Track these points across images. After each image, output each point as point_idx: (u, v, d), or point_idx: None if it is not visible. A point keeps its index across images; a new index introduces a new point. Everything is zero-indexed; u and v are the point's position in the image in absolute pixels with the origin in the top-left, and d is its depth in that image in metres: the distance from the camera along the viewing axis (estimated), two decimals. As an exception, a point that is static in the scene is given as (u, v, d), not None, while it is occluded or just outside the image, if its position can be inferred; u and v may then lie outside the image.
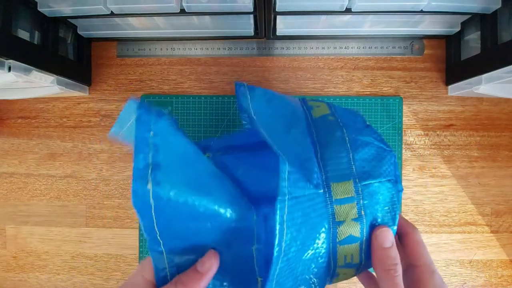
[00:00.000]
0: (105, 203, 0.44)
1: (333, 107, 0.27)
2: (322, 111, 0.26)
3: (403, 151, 0.43)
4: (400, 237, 0.23)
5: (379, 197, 0.22)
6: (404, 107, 0.43)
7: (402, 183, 0.43)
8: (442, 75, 0.43)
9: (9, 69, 0.31)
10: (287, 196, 0.19)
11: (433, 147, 0.43)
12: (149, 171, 0.18)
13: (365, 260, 0.22)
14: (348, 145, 0.23)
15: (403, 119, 0.43)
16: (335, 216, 0.21)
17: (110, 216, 0.44)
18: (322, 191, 0.21)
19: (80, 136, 0.44)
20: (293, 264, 0.20)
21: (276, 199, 0.19)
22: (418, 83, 0.43)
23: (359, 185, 0.22)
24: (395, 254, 0.21)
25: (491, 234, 0.43)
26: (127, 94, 0.44)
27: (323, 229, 0.21)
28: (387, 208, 0.22)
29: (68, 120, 0.45)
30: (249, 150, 0.26)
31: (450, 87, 0.43)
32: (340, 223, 0.21)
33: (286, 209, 0.19)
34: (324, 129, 0.24)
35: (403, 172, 0.43)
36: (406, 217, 0.43)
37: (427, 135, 0.43)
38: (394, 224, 0.22)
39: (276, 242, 0.18)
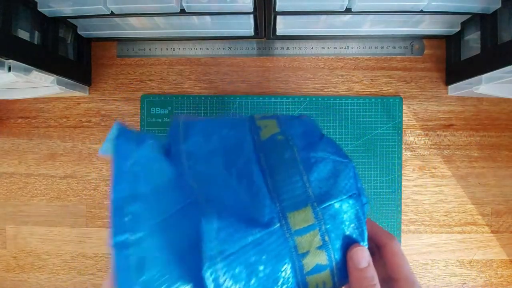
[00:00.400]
0: (105, 203, 0.44)
1: (283, 123, 0.24)
2: (271, 130, 0.23)
3: (403, 151, 0.43)
4: (378, 248, 0.22)
5: (343, 216, 0.20)
6: (404, 107, 0.43)
7: (402, 183, 0.43)
8: (442, 75, 0.43)
9: (9, 69, 0.31)
10: (218, 258, 0.17)
11: (433, 147, 0.43)
12: (127, 203, 0.19)
13: (338, 281, 0.20)
14: (301, 166, 0.21)
15: (403, 119, 0.43)
16: (297, 248, 0.19)
17: (110, 216, 0.44)
18: (278, 225, 0.19)
19: (80, 136, 0.44)
20: None
21: (202, 268, 0.17)
22: (418, 83, 0.43)
23: (318, 209, 0.20)
24: (372, 273, 0.20)
25: (491, 234, 0.43)
26: (127, 94, 0.44)
27: (286, 266, 0.19)
28: (353, 225, 0.20)
29: (68, 120, 0.45)
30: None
31: (450, 87, 0.43)
32: (304, 255, 0.19)
33: (222, 272, 0.17)
34: (273, 152, 0.22)
35: (403, 172, 0.43)
36: (406, 217, 0.43)
37: (427, 135, 0.43)
38: (363, 241, 0.21)
39: None
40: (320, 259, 0.19)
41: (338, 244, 0.20)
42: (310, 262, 0.19)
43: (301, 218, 0.19)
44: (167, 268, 0.18)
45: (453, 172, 0.43)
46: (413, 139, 0.43)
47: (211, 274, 0.17)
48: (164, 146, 0.22)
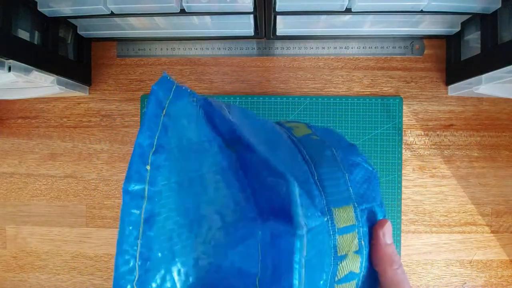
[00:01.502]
0: (105, 203, 0.44)
1: (313, 127, 0.24)
2: (303, 131, 0.22)
3: (403, 151, 0.43)
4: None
5: (373, 222, 0.19)
6: (404, 107, 0.43)
7: (402, 183, 0.43)
8: (442, 75, 0.43)
9: (9, 69, 0.31)
10: (305, 229, 0.15)
11: (433, 147, 0.43)
12: (151, 152, 0.16)
13: None
14: (341, 165, 0.20)
15: (403, 119, 0.43)
16: (337, 249, 0.17)
17: (110, 216, 0.44)
18: (326, 218, 0.17)
19: (80, 136, 0.44)
20: None
21: (295, 233, 0.14)
22: (418, 83, 0.43)
23: (358, 210, 0.19)
24: (395, 250, 0.20)
25: (491, 234, 0.43)
26: (127, 94, 0.44)
27: (327, 268, 0.17)
28: None
29: (68, 120, 0.45)
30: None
31: (450, 87, 0.43)
32: (342, 257, 0.18)
33: (305, 247, 0.15)
34: (312, 148, 0.21)
35: (403, 172, 0.43)
36: (406, 217, 0.43)
37: (427, 135, 0.43)
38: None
39: None
40: (354, 266, 0.18)
41: (367, 251, 0.19)
42: (345, 267, 0.18)
43: (345, 216, 0.18)
44: (177, 232, 0.16)
45: (453, 172, 0.43)
46: (413, 139, 0.43)
47: (299, 248, 0.14)
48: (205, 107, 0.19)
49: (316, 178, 0.19)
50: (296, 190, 0.15)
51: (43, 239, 0.44)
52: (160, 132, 0.17)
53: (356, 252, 0.18)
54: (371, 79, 0.44)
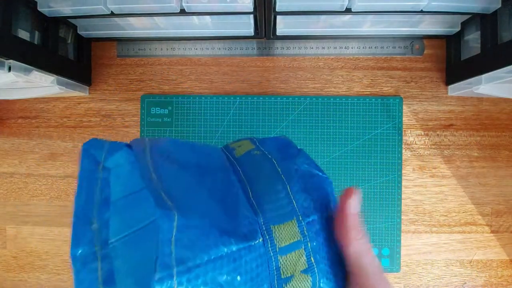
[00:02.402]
0: (105, 203, 0.44)
1: (257, 141, 0.22)
2: (245, 148, 0.21)
3: (403, 151, 0.43)
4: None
5: (326, 233, 0.18)
6: (404, 107, 0.43)
7: (402, 183, 0.43)
8: (442, 75, 0.43)
9: (9, 69, 0.31)
10: (176, 269, 0.13)
11: (433, 147, 0.43)
12: (95, 209, 0.15)
13: None
14: (282, 176, 0.18)
15: (403, 119, 0.43)
16: (281, 271, 0.16)
17: (110, 216, 0.44)
18: (261, 240, 0.16)
19: (81, 136, 0.44)
20: None
21: (150, 281, 0.12)
22: (418, 83, 0.43)
23: (303, 224, 0.17)
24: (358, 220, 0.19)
25: (491, 234, 0.43)
26: (127, 94, 0.44)
27: None
28: (337, 245, 0.18)
29: (68, 120, 0.45)
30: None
31: (450, 87, 0.43)
32: (287, 280, 0.16)
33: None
34: (251, 165, 0.19)
35: (403, 172, 0.43)
36: (406, 217, 0.43)
37: (427, 135, 0.43)
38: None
39: None
40: (304, 286, 0.16)
41: (324, 268, 0.17)
42: None
43: (286, 233, 0.17)
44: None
45: (453, 172, 0.43)
46: (413, 139, 0.43)
47: None
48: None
49: (251, 196, 0.18)
50: (172, 224, 0.14)
51: (43, 239, 0.44)
52: (101, 186, 0.16)
53: (305, 271, 0.16)
54: (371, 79, 0.44)
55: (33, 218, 0.45)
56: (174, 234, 0.14)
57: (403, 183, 0.43)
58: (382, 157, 0.43)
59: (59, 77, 0.38)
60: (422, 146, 0.43)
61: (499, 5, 0.33)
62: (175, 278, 0.13)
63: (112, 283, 0.15)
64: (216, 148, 0.22)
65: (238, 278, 0.15)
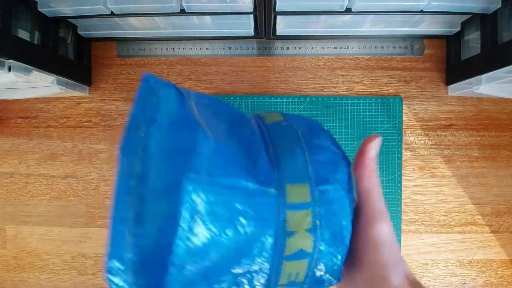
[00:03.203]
0: (105, 203, 0.44)
1: (287, 115, 0.24)
2: (275, 118, 0.23)
3: (403, 151, 0.43)
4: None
5: (336, 206, 0.19)
6: (404, 107, 0.43)
7: (402, 183, 0.43)
8: (442, 75, 0.43)
9: (9, 69, 0.31)
10: (206, 178, 0.15)
11: (433, 147, 0.43)
12: (146, 125, 0.17)
13: (309, 280, 0.19)
14: (304, 145, 0.20)
15: (403, 119, 0.43)
16: (286, 224, 0.17)
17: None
18: (273, 190, 0.17)
19: (80, 136, 0.44)
20: (212, 276, 0.16)
21: (181, 180, 0.14)
22: (418, 83, 0.43)
23: (315, 190, 0.18)
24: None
25: (491, 234, 0.43)
26: (127, 94, 0.44)
27: (268, 238, 0.17)
28: (344, 221, 0.19)
29: (68, 120, 0.45)
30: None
31: (450, 87, 0.43)
32: (291, 233, 0.17)
33: (203, 198, 0.15)
34: (277, 131, 0.21)
35: (403, 172, 0.43)
36: (406, 217, 0.43)
37: (427, 135, 0.43)
38: (346, 242, 0.19)
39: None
40: (305, 244, 0.18)
41: (326, 235, 0.18)
42: (294, 244, 0.18)
43: (298, 193, 0.18)
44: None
45: (453, 172, 0.43)
46: (413, 139, 0.43)
47: (191, 193, 0.14)
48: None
49: (272, 154, 0.19)
50: (211, 144, 0.16)
51: (43, 239, 0.44)
52: (152, 109, 0.18)
53: (308, 230, 0.18)
54: (371, 79, 0.44)
55: (33, 218, 0.45)
56: (209, 152, 0.16)
57: (403, 183, 0.43)
58: (382, 157, 0.43)
59: (59, 77, 0.38)
60: (422, 146, 0.43)
61: (499, 5, 0.33)
62: (203, 186, 0.15)
63: (144, 179, 0.17)
64: (248, 114, 0.24)
65: (251, 212, 0.16)
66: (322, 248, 0.18)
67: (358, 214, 0.20)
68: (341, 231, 0.19)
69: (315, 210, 0.18)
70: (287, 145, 0.20)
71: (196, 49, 0.44)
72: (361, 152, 0.21)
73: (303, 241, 0.18)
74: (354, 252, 0.20)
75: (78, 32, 0.41)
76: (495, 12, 0.34)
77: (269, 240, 0.17)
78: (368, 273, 0.19)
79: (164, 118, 0.18)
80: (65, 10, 0.35)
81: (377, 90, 0.44)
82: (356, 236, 0.20)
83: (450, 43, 0.42)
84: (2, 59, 0.30)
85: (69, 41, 0.41)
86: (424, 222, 0.43)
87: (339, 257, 0.19)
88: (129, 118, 0.18)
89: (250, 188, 0.17)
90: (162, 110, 0.18)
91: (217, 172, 0.16)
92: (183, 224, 0.14)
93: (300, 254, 0.18)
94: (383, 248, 0.19)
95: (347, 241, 0.19)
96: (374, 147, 0.21)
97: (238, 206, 0.16)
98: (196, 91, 0.22)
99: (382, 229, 0.19)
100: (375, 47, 0.43)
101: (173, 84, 0.19)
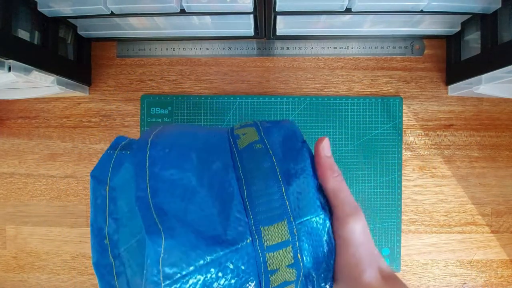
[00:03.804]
0: (105, 203, 0.44)
1: (262, 129, 0.22)
2: (249, 138, 0.22)
3: (403, 151, 0.43)
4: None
5: (317, 232, 0.19)
6: (404, 107, 0.43)
7: (402, 183, 0.43)
8: (442, 75, 0.43)
9: (9, 69, 0.31)
10: (162, 285, 0.15)
11: (433, 147, 0.43)
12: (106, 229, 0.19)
13: None
14: (280, 176, 0.19)
15: (403, 119, 0.43)
16: (267, 265, 0.18)
17: (110, 216, 0.44)
18: (249, 240, 0.17)
19: (80, 136, 0.44)
20: None
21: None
22: (418, 83, 0.43)
23: (294, 224, 0.18)
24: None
25: (491, 234, 0.43)
26: (127, 94, 0.44)
27: (250, 284, 0.17)
28: (325, 240, 0.19)
29: (68, 120, 0.45)
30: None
31: (450, 87, 0.43)
32: (273, 272, 0.18)
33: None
34: (251, 160, 0.20)
35: (403, 172, 0.43)
36: (406, 217, 0.43)
37: (427, 135, 0.43)
38: (332, 256, 0.20)
39: None
40: (288, 277, 0.18)
41: (308, 260, 0.18)
42: (277, 278, 0.18)
43: (275, 233, 0.18)
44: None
45: (453, 172, 0.43)
46: (413, 139, 0.43)
47: None
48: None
49: (245, 196, 0.19)
50: (159, 248, 0.16)
51: (43, 239, 0.44)
52: (109, 207, 0.19)
53: (291, 265, 0.18)
54: (371, 79, 0.44)
55: (33, 218, 0.45)
56: (161, 255, 0.16)
57: (403, 183, 0.43)
58: (382, 157, 0.43)
59: (59, 77, 0.38)
60: (422, 146, 0.43)
61: (499, 5, 0.33)
62: (168, 283, 0.15)
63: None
64: (222, 134, 0.23)
65: (225, 276, 0.17)
66: (305, 272, 0.18)
67: (333, 217, 0.20)
68: (324, 248, 0.19)
69: (295, 245, 0.18)
70: (262, 180, 0.19)
71: (196, 49, 0.44)
72: (315, 154, 0.21)
73: (286, 275, 0.18)
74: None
75: (78, 32, 0.41)
76: (495, 12, 0.34)
77: (252, 284, 0.18)
78: (344, 274, 0.19)
79: (124, 209, 0.19)
80: (65, 10, 0.35)
81: (377, 90, 0.44)
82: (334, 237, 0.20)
83: (450, 43, 0.42)
84: (2, 59, 0.30)
85: (69, 41, 0.41)
86: (424, 222, 0.43)
87: (327, 273, 0.19)
88: (91, 228, 0.20)
89: (220, 254, 0.17)
90: (120, 202, 0.19)
91: (176, 269, 0.16)
92: None
93: (285, 284, 0.18)
94: (355, 248, 0.19)
95: (332, 254, 0.19)
96: (325, 146, 0.21)
97: (210, 279, 0.16)
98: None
99: (354, 228, 0.19)
100: (375, 47, 0.43)
101: (124, 158, 0.20)
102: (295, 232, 0.18)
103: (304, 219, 0.18)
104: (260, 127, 0.23)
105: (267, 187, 0.19)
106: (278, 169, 0.19)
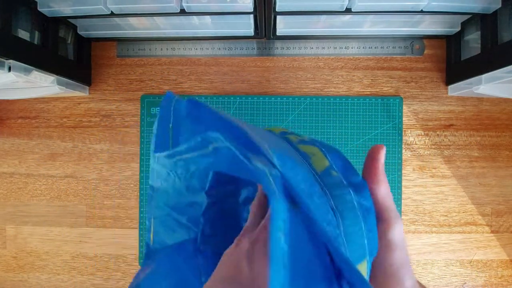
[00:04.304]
0: (105, 203, 0.44)
1: (325, 151, 0.21)
2: (321, 161, 0.20)
3: (403, 151, 0.43)
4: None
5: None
6: (404, 107, 0.43)
7: (402, 183, 0.43)
8: (442, 75, 0.43)
9: (9, 69, 0.31)
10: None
11: (433, 147, 0.43)
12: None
13: None
14: (359, 214, 0.18)
15: (403, 119, 0.43)
16: None
17: (110, 216, 0.44)
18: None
19: (80, 136, 0.44)
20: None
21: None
22: (418, 83, 0.43)
23: (370, 264, 0.18)
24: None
25: (491, 234, 0.43)
26: (127, 94, 0.44)
27: None
28: None
29: (68, 120, 0.45)
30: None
31: (450, 87, 0.43)
32: None
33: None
34: (334, 189, 0.18)
35: (403, 172, 0.43)
36: (406, 217, 0.43)
37: (427, 135, 0.43)
38: None
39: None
40: None
41: None
42: None
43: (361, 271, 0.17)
44: None
45: (453, 172, 0.43)
46: (413, 139, 0.43)
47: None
48: None
49: (342, 233, 0.17)
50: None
51: (43, 239, 0.44)
52: (173, 120, 0.21)
53: None
54: (371, 79, 0.44)
55: (33, 218, 0.45)
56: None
57: (403, 183, 0.43)
58: (382, 157, 0.43)
59: (59, 77, 0.38)
60: (422, 146, 0.43)
61: (499, 5, 0.33)
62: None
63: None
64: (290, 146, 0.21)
65: None
66: None
67: (376, 221, 0.21)
68: None
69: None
70: (351, 215, 0.18)
71: (196, 49, 0.44)
72: (372, 158, 0.21)
73: None
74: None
75: (78, 32, 0.41)
76: (495, 12, 0.34)
77: None
78: (384, 274, 0.20)
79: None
80: (65, 10, 0.35)
81: (377, 90, 0.44)
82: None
83: (450, 43, 0.42)
84: (2, 59, 0.30)
85: (69, 41, 0.41)
86: (424, 222, 0.43)
87: None
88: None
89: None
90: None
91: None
92: None
93: None
94: (399, 250, 0.20)
95: None
96: (383, 155, 0.21)
97: None
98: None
99: (401, 231, 0.20)
100: (375, 47, 0.43)
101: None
102: (369, 272, 0.18)
103: (375, 254, 0.18)
104: (322, 149, 0.21)
105: (356, 224, 0.18)
106: (356, 205, 0.18)
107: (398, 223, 0.20)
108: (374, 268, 0.20)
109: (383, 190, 0.21)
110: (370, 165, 0.21)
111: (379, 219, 0.20)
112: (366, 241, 0.18)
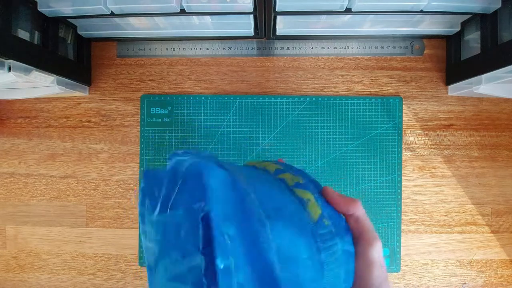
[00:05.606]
0: (105, 203, 0.44)
1: (317, 197, 0.22)
2: (315, 208, 0.21)
3: (403, 151, 0.43)
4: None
5: None
6: (404, 107, 0.43)
7: (402, 183, 0.43)
8: (442, 75, 0.43)
9: (9, 69, 0.31)
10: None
11: (433, 147, 0.43)
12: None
13: None
14: (343, 262, 0.21)
15: (403, 119, 0.43)
16: None
17: (110, 216, 0.44)
18: None
19: (80, 136, 0.44)
20: None
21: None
22: (418, 83, 0.43)
23: None
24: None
25: (491, 234, 0.43)
26: (127, 94, 0.44)
27: None
28: None
29: (68, 120, 0.45)
30: None
31: (450, 87, 0.43)
32: None
33: None
34: (326, 243, 0.20)
35: (403, 172, 0.43)
36: (406, 217, 0.43)
37: (427, 135, 0.43)
38: None
39: None
40: None
41: None
42: None
43: None
44: None
45: (453, 172, 0.43)
46: (413, 139, 0.43)
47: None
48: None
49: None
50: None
51: (43, 239, 0.44)
52: (224, 204, 0.17)
53: None
54: (371, 79, 0.44)
55: (33, 218, 0.45)
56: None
57: (403, 183, 0.43)
58: (382, 157, 0.43)
59: (59, 77, 0.38)
60: (422, 146, 0.43)
61: (499, 5, 0.33)
62: None
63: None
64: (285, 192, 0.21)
65: None
66: None
67: (356, 241, 0.22)
68: None
69: None
70: (334, 264, 0.20)
71: (196, 49, 0.44)
72: (330, 198, 0.23)
73: None
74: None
75: (78, 32, 0.41)
76: (495, 12, 0.34)
77: None
78: None
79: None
80: (65, 10, 0.35)
81: (377, 90, 0.44)
82: (357, 261, 0.21)
83: (450, 43, 0.42)
84: (2, 59, 0.30)
85: (69, 41, 0.41)
86: (424, 222, 0.43)
87: None
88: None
89: None
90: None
91: None
92: None
93: None
94: (380, 268, 0.21)
95: None
96: (331, 190, 0.23)
97: None
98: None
99: (378, 250, 0.21)
100: (375, 47, 0.43)
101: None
102: None
103: None
104: (315, 195, 0.22)
105: (337, 276, 0.20)
106: (341, 253, 0.20)
107: (377, 243, 0.21)
108: (355, 284, 0.21)
109: (357, 213, 0.22)
110: (334, 201, 0.22)
111: (359, 240, 0.22)
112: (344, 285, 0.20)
